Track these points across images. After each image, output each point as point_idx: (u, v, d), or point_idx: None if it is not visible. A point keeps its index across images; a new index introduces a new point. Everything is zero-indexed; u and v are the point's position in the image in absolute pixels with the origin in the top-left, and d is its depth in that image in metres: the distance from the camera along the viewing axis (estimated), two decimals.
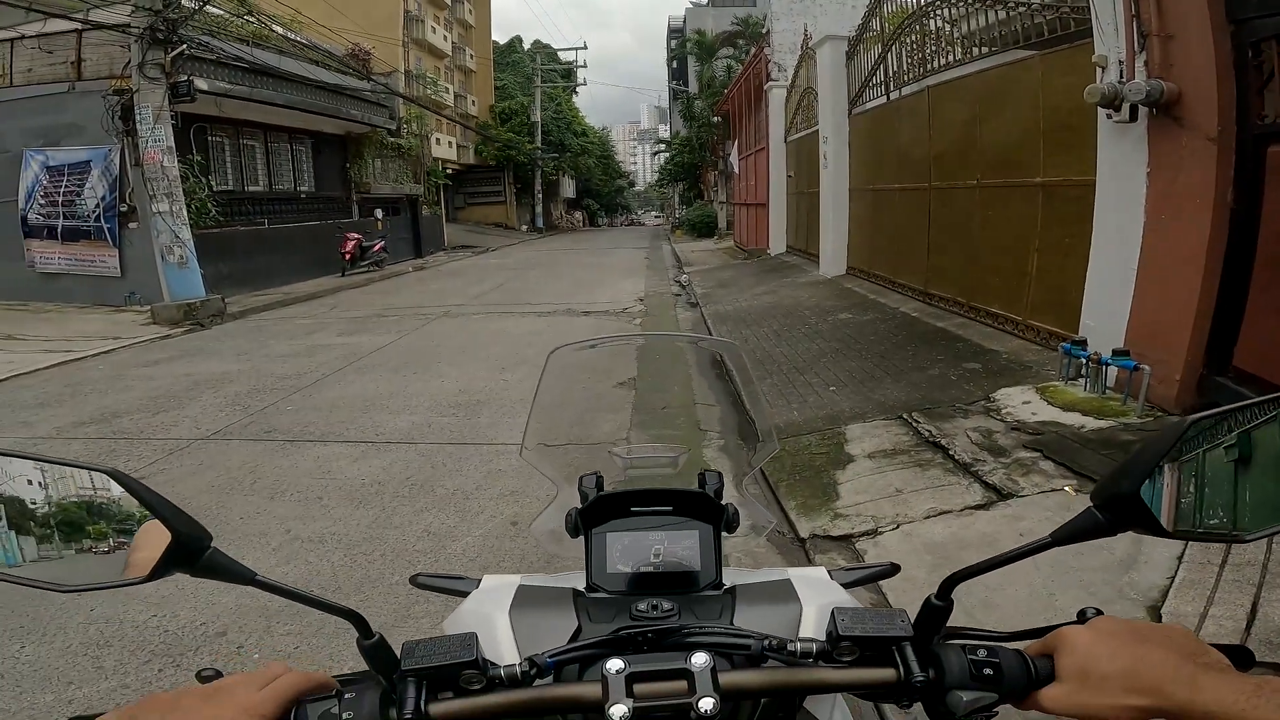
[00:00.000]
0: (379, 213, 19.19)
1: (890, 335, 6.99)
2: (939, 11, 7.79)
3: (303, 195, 16.95)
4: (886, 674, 0.65)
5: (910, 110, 8.55)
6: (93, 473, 0.66)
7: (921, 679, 0.64)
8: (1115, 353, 4.32)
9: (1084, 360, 4.54)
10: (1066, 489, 3.40)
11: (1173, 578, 2.59)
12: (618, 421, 5.20)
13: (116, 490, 0.65)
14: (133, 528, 0.66)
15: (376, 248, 17.53)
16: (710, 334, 8.37)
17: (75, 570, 0.65)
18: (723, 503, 0.92)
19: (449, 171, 29.52)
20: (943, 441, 4.08)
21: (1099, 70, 4.45)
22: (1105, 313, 4.66)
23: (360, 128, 18.27)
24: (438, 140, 28.37)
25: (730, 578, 0.88)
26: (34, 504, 0.66)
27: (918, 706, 0.67)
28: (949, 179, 7.58)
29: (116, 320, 10.60)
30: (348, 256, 16.42)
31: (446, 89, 32.00)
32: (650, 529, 0.90)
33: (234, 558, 0.66)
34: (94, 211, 11.48)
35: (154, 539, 0.64)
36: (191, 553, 0.64)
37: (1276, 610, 2.32)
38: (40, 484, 0.66)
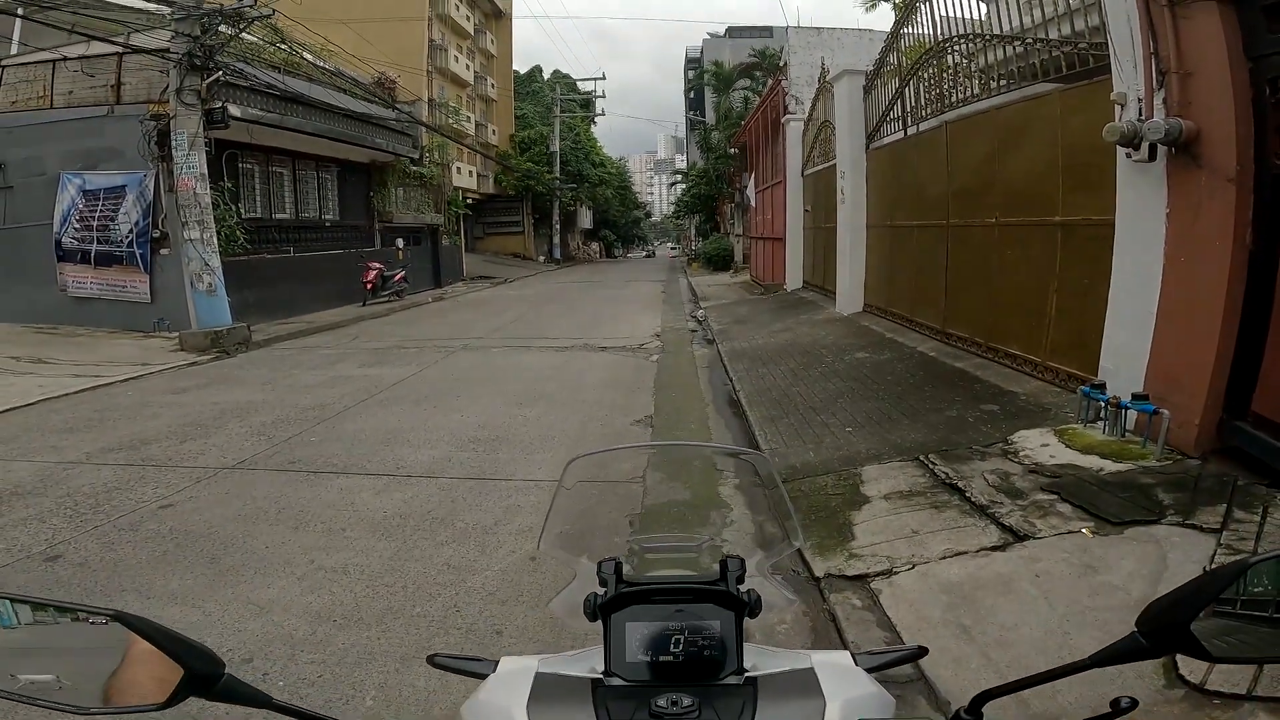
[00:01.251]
0: (400, 242, 19.45)
1: (908, 375, 6.98)
2: (957, 46, 7.83)
3: (327, 223, 17.24)
4: None
5: (928, 145, 8.56)
6: (94, 616, 0.71)
7: None
8: (1134, 396, 4.30)
9: (1103, 403, 4.51)
10: (1084, 531, 3.39)
11: None
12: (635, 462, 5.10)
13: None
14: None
15: (397, 278, 17.78)
16: (727, 372, 8.39)
17: (91, 693, 0.69)
18: (744, 589, 0.91)
19: (469, 201, 29.92)
20: (959, 483, 4.09)
21: (1118, 108, 4.42)
22: (1124, 355, 4.63)
23: (385, 156, 18.55)
24: (458, 169, 28.84)
25: (751, 657, 0.89)
26: (33, 645, 0.70)
27: None
28: (967, 216, 7.58)
29: (145, 346, 10.82)
30: (369, 286, 16.65)
31: (468, 117, 32.62)
32: (670, 618, 0.89)
33: (248, 681, 0.71)
34: (127, 237, 11.68)
35: (171, 666, 0.69)
36: (206, 680, 0.69)
37: None
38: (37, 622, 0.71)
